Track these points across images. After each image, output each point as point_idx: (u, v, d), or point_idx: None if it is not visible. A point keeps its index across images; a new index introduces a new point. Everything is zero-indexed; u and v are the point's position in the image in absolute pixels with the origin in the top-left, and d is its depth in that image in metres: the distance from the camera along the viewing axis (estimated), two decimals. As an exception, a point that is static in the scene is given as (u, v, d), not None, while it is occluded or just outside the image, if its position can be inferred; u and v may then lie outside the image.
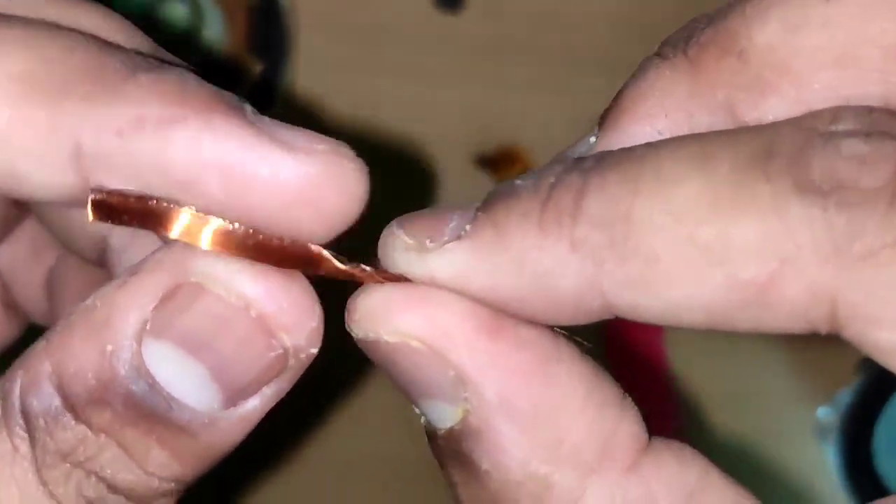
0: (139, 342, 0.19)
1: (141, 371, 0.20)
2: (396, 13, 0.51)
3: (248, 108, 0.19)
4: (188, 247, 0.19)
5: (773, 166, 0.17)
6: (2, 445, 0.20)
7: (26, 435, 0.20)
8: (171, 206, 0.19)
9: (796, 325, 0.19)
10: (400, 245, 0.22)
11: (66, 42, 0.20)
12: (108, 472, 0.20)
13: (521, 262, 0.19)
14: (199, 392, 0.20)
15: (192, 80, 0.19)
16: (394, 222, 0.22)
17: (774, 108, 0.19)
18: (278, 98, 0.50)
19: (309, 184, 0.20)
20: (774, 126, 0.18)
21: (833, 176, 0.17)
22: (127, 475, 0.20)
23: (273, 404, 0.21)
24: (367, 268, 0.21)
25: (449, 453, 0.20)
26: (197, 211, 0.19)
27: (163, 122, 0.18)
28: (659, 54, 0.21)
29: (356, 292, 0.21)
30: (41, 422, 0.20)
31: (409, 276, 0.20)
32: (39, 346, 0.20)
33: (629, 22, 0.52)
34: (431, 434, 0.20)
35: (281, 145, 0.19)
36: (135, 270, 0.20)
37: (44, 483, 0.20)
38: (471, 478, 0.20)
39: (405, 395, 0.20)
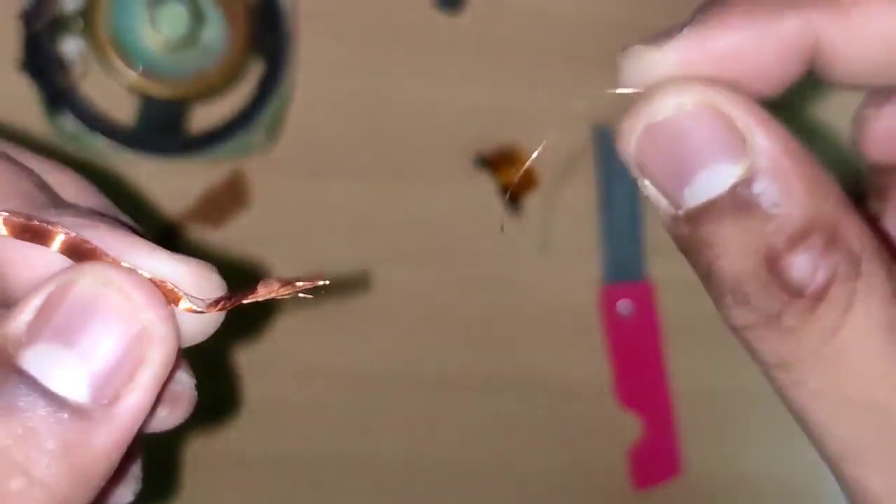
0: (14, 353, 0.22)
1: (22, 376, 0.22)
2: (396, 13, 0.52)
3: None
4: (66, 266, 0.23)
5: None
6: None
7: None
8: (52, 227, 0.23)
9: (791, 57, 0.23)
10: (638, 54, 0.25)
11: (16, 170, 0.25)
12: None
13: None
14: (71, 380, 0.22)
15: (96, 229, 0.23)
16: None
17: None
18: (279, 98, 0.50)
19: None
20: None
21: None
22: None
23: (152, 397, 0.22)
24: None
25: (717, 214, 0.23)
26: (69, 235, 0.23)
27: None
28: None
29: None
30: None
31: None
32: None
33: (629, 22, 0.52)
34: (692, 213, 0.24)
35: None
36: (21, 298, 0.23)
37: None
38: (746, 219, 0.23)
39: (679, 174, 0.24)
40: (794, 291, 0.23)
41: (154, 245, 0.23)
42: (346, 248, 0.52)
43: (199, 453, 0.52)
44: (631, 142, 0.25)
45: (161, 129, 0.50)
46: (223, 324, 0.24)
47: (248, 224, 0.52)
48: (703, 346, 0.53)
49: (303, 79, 0.51)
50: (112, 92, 0.49)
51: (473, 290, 0.53)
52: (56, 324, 0.22)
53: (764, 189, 0.23)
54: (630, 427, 0.53)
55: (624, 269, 0.52)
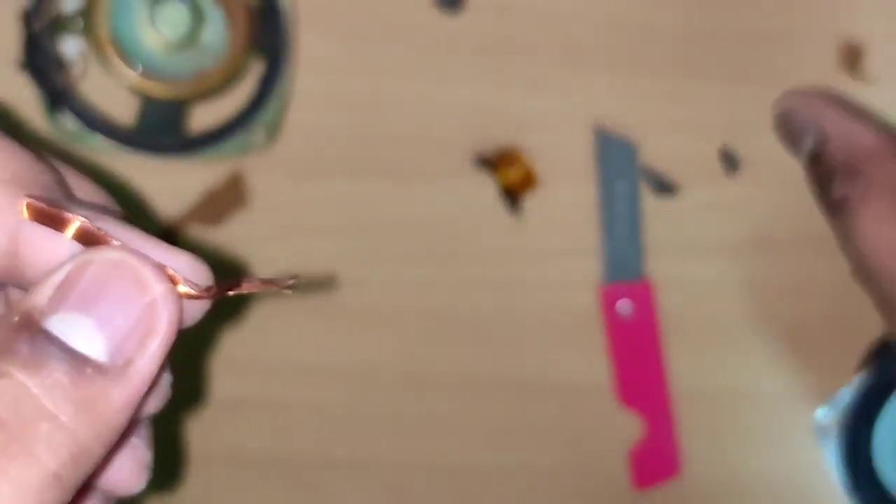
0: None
1: (49, 336, 0.25)
2: (396, 13, 0.52)
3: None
4: (81, 249, 0.26)
5: None
6: None
7: None
8: (70, 215, 0.26)
9: None
10: None
11: (42, 167, 0.27)
12: None
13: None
14: (91, 342, 0.25)
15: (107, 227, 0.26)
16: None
17: None
18: (279, 97, 0.50)
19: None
20: None
21: None
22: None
23: (159, 363, 0.25)
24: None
25: (813, 155, 0.44)
26: (84, 223, 0.26)
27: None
28: None
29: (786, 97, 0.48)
30: None
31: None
32: None
33: (629, 22, 0.52)
34: (811, 155, 0.45)
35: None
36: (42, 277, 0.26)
37: None
38: (817, 164, 0.45)
39: (795, 141, 0.46)
40: (833, 201, 0.43)
41: (154, 237, 0.26)
42: (345, 247, 0.52)
43: (200, 452, 0.52)
44: (778, 127, 0.48)
45: (161, 128, 0.50)
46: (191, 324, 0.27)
47: (247, 224, 0.52)
48: (703, 346, 0.53)
49: (303, 79, 0.51)
50: (112, 92, 0.49)
51: (473, 290, 0.53)
52: (76, 295, 0.25)
53: (827, 149, 0.44)
54: (630, 427, 0.53)
55: (624, 269, 0.52)
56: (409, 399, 0.53)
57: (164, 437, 0.31)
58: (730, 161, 0.53)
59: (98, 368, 0.24)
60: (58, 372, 0.24)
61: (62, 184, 0.28)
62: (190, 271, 0.26)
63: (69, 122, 0.49)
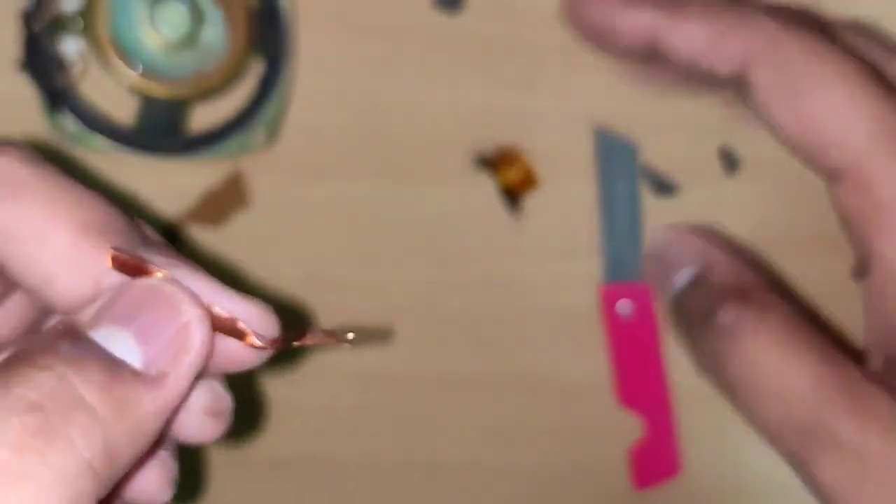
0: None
1: (91, 342, 0.27)
2: (396, 13, 0.52)
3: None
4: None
5: None
6: None
7: None
8: (152, 267, 0.28)
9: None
10: None
11: (114, 212, 0.30)
12: None
13: None
14: (128, 352, 0.27)
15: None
16: None
17: None
18: (279, 97, 0.50)
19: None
20: None
21: None
22: None
23: (191, 379, 0.27)
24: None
25: (685, 290, 0.45)
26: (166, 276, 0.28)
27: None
28: None
29: None
30: None
31: None
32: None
33: (629, 22, 0.52)
34: (683, 290, 0.44)
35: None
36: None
37: None
38: (697, 290, 0.45)
39: (666, 276, 0.46)
40: (718, 327, 0.41)
41: (226, 287, 0.29)
42: (346, 248, 0.52)
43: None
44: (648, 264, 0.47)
45: (161, 128, 0.50)
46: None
47: (248, 224, 0.52)
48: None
49: (303, 78, 0.51)
50: (112, 92, 0.49)
51: (473, 290, 0.53)
52: (116, 311, 0.27)
53: (712, 277, 0.43)
54: (630, 427, 0.53)
55: (624, 269, 0.52)
56: (408, 399, 0.53)
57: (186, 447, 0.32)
58: (729, 161, 0.53)
59: (134, 373, 0.26)
60: (96, 369, 0.26)
61: (135, 227, 0.30)
62: (259, 322, 0.28)
63: (69, 123, 0.49)
